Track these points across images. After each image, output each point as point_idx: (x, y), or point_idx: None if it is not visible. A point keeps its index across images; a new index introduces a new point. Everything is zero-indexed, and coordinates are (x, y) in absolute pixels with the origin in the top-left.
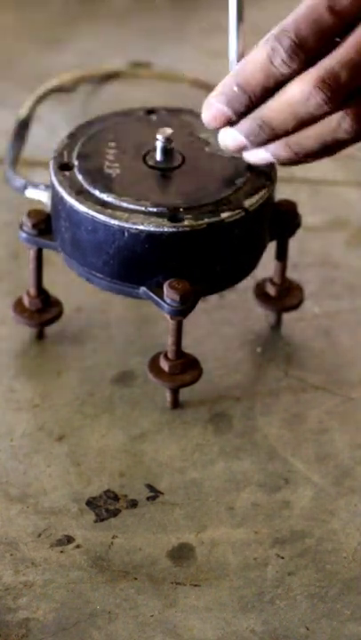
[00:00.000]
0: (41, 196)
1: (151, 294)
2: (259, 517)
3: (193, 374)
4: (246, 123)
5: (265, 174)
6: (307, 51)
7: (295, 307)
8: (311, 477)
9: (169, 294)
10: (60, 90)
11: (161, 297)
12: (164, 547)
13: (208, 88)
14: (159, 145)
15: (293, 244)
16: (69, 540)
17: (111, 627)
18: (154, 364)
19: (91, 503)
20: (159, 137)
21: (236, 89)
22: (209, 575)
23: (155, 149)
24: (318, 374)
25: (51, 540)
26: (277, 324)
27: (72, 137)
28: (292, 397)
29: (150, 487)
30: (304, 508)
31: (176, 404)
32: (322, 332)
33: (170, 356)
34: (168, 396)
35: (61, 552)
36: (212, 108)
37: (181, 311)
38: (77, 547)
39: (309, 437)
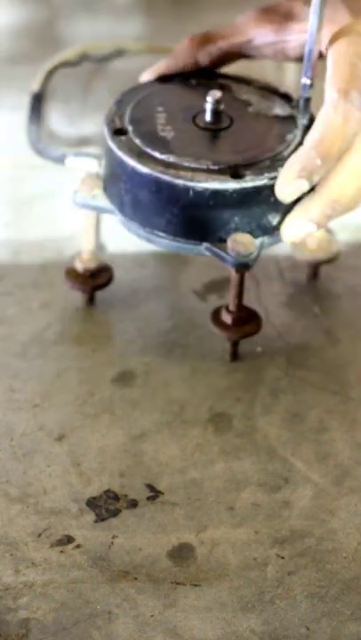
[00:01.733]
0: (83, 164)
1: (215, 249)
2: (259, 517)
3: (253, 326)
4: (318, 210)
5: (307, 128)
6: None
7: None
8: (311, 477)
9: (234, 247)
10: (66, 64)
11: (225, 251)
12: (164, 547)
13: None
14: (209, 107)
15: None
16: (69, 539)
17: (111, 627)
18: (217, 317)
19: (91, 503)
20: (209, 99)
21: (319, 162)
22: (209, 575)
23: (203, 111)
24: (318, 374)
25: (51, 540)
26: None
27: (119, 103)
28: (292, 397)
29: (150, 487)
30: (304, 508)
31: (235, 356)
32: (322, 331)
33: (232, 308)
34: (229, 348)
35: (61, 552)
36: (295, 185)
37: (246, 264)
38: (77, 547)
39: (309, 437)
